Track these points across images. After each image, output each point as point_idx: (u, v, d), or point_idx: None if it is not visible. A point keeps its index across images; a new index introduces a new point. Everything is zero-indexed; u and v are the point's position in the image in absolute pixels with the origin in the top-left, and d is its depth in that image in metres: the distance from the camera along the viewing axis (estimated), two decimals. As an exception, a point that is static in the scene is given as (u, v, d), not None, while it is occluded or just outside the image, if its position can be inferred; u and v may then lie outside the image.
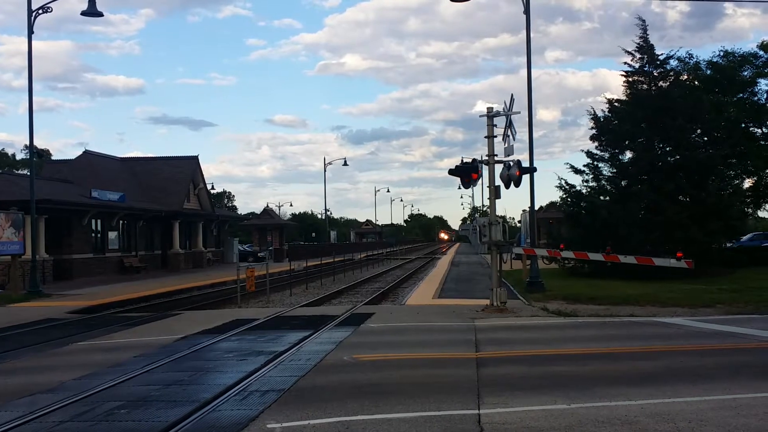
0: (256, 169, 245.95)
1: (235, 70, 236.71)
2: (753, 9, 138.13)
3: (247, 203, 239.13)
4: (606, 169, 32.69)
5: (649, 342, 12.17)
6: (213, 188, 66.79)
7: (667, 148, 31.64)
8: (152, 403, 8.16)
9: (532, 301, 19.48)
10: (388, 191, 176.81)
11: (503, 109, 17.33)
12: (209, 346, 12.72)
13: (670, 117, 30.15)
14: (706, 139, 34.03)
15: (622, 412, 7.18)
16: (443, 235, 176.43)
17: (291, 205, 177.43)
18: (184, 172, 48.49)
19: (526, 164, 18.78)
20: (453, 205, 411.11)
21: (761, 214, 44.99)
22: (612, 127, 32.40)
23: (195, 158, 50.42)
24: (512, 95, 17.18)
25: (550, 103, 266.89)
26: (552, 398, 7.88)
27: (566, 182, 32.71)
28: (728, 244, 33.56)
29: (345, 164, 78.50)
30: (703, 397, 7.78)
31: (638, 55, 32.06)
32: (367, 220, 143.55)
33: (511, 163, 17.22)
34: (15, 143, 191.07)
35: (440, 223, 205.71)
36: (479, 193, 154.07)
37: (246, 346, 12.65)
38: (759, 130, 39.33)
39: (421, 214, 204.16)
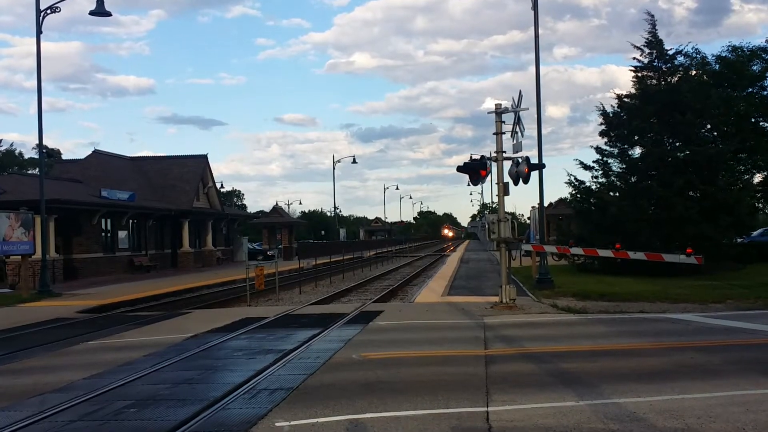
0: (266, 168, 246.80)
1: (244, 70, 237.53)
2: (760, 4, 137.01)
3: (256, 201, 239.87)
4: (615, 165, 32.54)
5: (658, 338, 12.13)
6: (222, 187, 67.08)
7: (677, 144, 31.46)
8: (161, 402, 8.19)
9: (542, 298, 19.42)
10: (397, 189, 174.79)
11: (511, 105, 17.22)
12: (218, 345, 12.76)
13: (679, 112, 30.00)
14: (715, 134, 33.89)
15: (630, 409, 7.16)
16: (447, 232, 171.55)
17: (300, 203, 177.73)
18: (194, 171, 48.67)
19: (534, 161, 18.70)
20: (462, 202, 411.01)
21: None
22: (621, 123, 32.24)
23: (204, 157, 50.58)
24: (520, 92, 17.03)
25: (559, 100, 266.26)
26: (561, 395, 7.86)
27: (575, 178, 32.67)
28: (738, 240, 33.37)
29: (354, 162, 78.97)
30: (712, 394, 7.74)
31: (647, 51, 31.87)
32: (376, 218, 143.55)
33: (520, 160, 17.13)
34: (27, 143, 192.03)
35: (449, 220, 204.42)
36: (488, 190, 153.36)
37: (255, 345, 12.68)
38: (768, 125, 39.12)
39: (430, 212, 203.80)
